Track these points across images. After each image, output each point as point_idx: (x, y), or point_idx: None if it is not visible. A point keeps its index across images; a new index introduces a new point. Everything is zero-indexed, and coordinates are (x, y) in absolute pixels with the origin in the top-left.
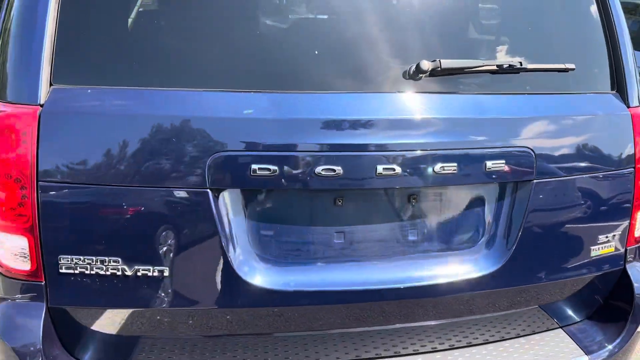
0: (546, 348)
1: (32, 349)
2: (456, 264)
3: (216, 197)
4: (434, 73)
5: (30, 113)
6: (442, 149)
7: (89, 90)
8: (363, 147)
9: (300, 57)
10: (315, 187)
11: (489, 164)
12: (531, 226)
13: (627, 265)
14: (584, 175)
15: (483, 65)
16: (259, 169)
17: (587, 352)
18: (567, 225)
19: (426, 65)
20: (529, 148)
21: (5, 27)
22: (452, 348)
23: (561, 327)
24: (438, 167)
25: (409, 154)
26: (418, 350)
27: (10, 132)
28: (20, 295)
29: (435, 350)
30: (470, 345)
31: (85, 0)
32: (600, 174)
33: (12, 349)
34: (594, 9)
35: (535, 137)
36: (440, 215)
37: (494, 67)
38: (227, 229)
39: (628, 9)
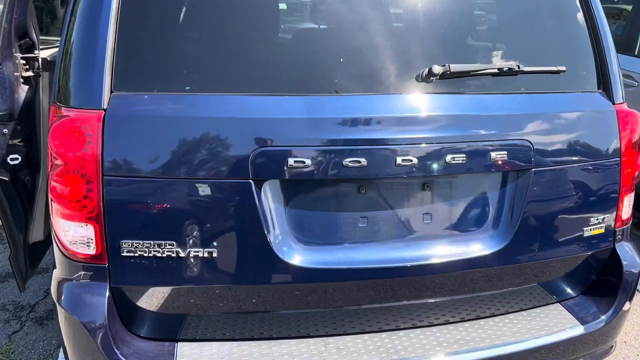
0: (546, 319)
1: (98, 323)
2: (466, 243)
3: (258, 187)
4: (443, 76)
5: (95, 117)
6: (452, 142)
7: (145, 96)
8: (384, 142)
9: (329, 64)
10: (343, 177)
11: (493, 154)
12: (531, 210)
13: (616, 245)
14: (576, 165)
15: (486, 69)
16: (295, 161)
17: (583, 323)
18: (562, 209)
19: (437, 69)
20: (527, 141)
21: (68, 39)
22: (462, 320)
23: (559, 302)
24: (449, 157)
25: (424, 147)
26: (433, 322)
27: (78, 133)
28: (85, 276)
29: (447, 323)
30: (478, 318)
31: (140, 19)
32: (591, 164)
33: (81, 323)
34: (580, 16)
35: (532, 131)
36: (452, 201)
37: (495, 70)
38: (267, 215)
39: (612, 14)
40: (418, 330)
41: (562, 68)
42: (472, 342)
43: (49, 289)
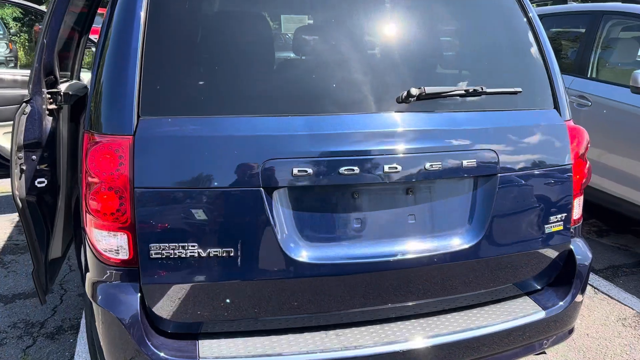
0: (513, 306)
1: (133, 319)
2: (445, 239)
3: (268, 194)
4: (420, 97)
5: (127, 141)
6: (429, 152)
7: (169, 120)
8: (372, 152)
9: (324, 90)
10: (340, 182)
11: (464, 162)
12: (499, 209)
13: (571, 240)
14: (535, 171)
15: (455, 90)
16: (298, 170)
17: (545, 309)
18: (525, 209)
19: (415, 91)
20: (493, 150)
21: (99, 75)
22: (444, 311)
23: (526, 295)
24: (427, 164)
25: (406, 156)
26: (419, 312)
27: (111, 156)
28: (119, 278)
29: (430, 313)
30: (457, 308)
31: (162, 59)
32: (547, 170)
33: (117, 318)
34: (534, 50)
35: (497, 142)
36: (432, 203)
37: (462, 91)
38: (276, 218)
39: (570, 39)
40: (405, 320)
41: (519, 89)
42: (451, 327)
43: (57, 306)
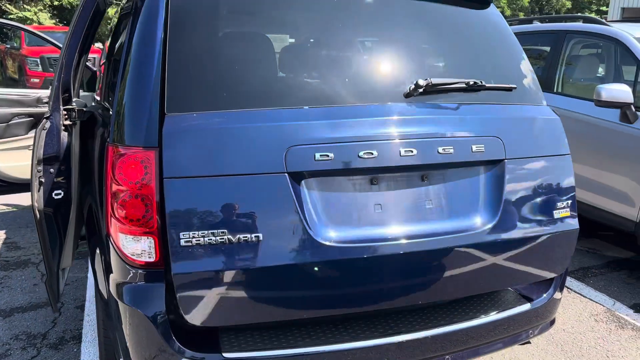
0: (503, 299)
1: (160, 317)
2: (461, 222)
3: (292, 179)
4: (427, 88)
5: (152, 152)
6: (440, 137)
7: (194, 115)
8: (389, 137)
9: (340, 84)
10: (360, 166)
11: (473, 147)
12: (510, 193)
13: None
14: (539, 158)
15: (458, 82)
16: (320, 155)
17: (530, 302)
18: (533, 194)
19: (422, 82)
20: (498, 137)
21: (122, 90)
22: (437, 305)
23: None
24: (440, 149)
25: (420, 141)
26: (430, 299)
27: (137, 166)
28: (146, 279)
29: (426, 305)
30: (455, 300)
31: (181, 75)
32: (550, 158)
33: (146, 316)
34: (521, 56)
35: (501, 130)
36: (446, 188)
37: (465, 84)
38: (301, 202)
39: (534, 57)
40: (408, 313)
41: (514, 86)
42: (448, 318)
43: (56, 318)
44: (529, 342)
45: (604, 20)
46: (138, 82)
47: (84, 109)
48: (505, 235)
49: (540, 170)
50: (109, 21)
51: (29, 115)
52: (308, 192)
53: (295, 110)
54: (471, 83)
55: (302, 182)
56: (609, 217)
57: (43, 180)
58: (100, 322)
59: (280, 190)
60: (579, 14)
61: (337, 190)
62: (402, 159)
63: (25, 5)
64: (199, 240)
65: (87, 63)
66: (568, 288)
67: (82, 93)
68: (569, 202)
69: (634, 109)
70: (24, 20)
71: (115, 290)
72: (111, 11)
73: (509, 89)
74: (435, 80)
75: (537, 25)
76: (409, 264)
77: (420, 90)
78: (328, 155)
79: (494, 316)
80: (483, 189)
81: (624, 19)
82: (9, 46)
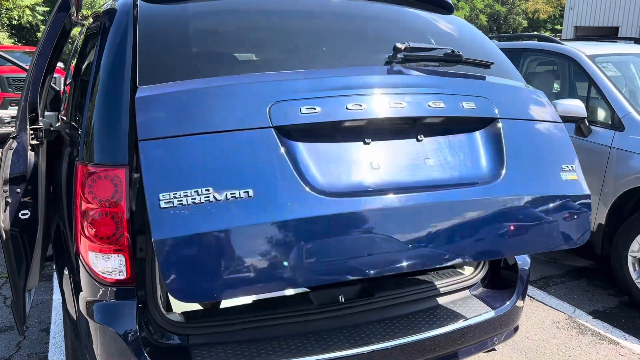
0: (468, 308)
1: (132, 334)
2: (463, 178)
3: (279, 133)
4: (406, 53)
5: (121, 170)
6: (429, 92)
7: (168, 83)
8: (376, 90)
9: (318, 52)
10: (349, 118)
11: (464, 104)
12: (511, 153)
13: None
14: (534, 121)
15: (437, 48)
16: (307, 109)
17: (494, 309)
18: (536, 155)
19: (400, 45)
20: (486, 98)
21: (91, 109)
22: (409, 301)
23: (470, 292)
24: (431, 102)
25: (408, 93)
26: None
27: (107, 185)
28: (116, 297)
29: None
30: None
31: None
32: (545, 122)
33: (117, 334)
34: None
35: (489, 93)
36: (444, 147)
37: (444, 53)
38: (292, 156)
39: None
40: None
41: (492, 62)
42: (415, 327)
43: (20, 342)
44: (494, 349)
45: (557, 39)
46: (107, 100)
47: (51, 129)
48: (511, 192)
49: (538, 133)
50: (70, 40)
51: None
52: (298, 147)
53: (277, 72)
54: (449, 52)
55: (291, 136)
56: None
57: (9, 200)
58: (69, 343)
59: (268, 145)
60: (535, 33)
61: (328, 144)
62: (392, 110)
63: None
64: (181, 200)
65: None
66: (530, 297)
67: (46, 113)
68: (573, 166)
69: (587, 123)
70: None
71: (85, 309)
72: (74, 31)
73: (487, 65)
74: (414, 45)
75: (495, 44)
76: (412, 217)
77: (400, 55)
78: (315, 109)
79: (460, 324)
80: (483, 147)
81: (577, 37)
82: None
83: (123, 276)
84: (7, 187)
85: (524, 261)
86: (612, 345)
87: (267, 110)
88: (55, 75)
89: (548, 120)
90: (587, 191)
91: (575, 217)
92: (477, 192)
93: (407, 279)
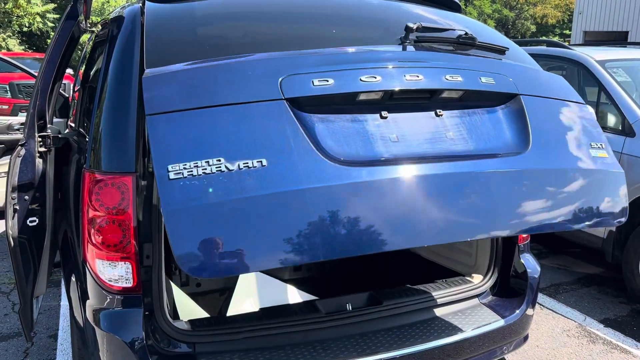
0: (477, 317)
1: (138, 342)
2: (487, 151)
3: (292, 105)
4: (418, 34)
5: (129, 178)
6: (446, 67)
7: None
8: (391, 63)
9: (330, 34)
10: (361, 89)
11: (482, 78)
12: (537, 129)
13: (521, 256)
14: (558, 100)
15: (450, 29)
16: (319, 81)
17: (503, 317)
18: (563, 131)
19: (412, 25)
20: (506, 76)
21: (99, 115)
22: (417, 310)
23: (479, 301)
24: (448, 76)
25: (425, 68)
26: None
27: (114, 192)
28: (123, 305)
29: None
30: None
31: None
32: (566, 102)
33: (124, 342)
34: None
35: (508, 69)
36: (465, 122)
37: (457, 35)
38: (306, 127)
39: None
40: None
41: (506, 47)
42: (424, 336)
43: (28, 349)
44: (503, 359)
45: (566, 44)
46: (115, 108)
47: (59, 136)
48: (541, 164)
49: (562, 112)
50: (79, 47)
51: (0, 142)
52: (312, 119)
53: (287, 52)
54: (463, 34)
55: (304, 108)
56: (577, 234)
57: (18, 207)
58: (76, 350)
59: (280, 117)
60: (543, 38)
61: (344, 116)
62: (408, 82)
63: None
64: (191, 171)
65: (59, 89)
66: (540, 304)
67: (54, 119)
68: (602, 144)
69: None
70: None
71: (92, 317)
72: (83, 37)
73: (502, 51)
74: (426, 24)
75: None
76: (435, 187)
77: (412, 36)
78: (327, 81)
79: (469, 333)
80: (506, 123)
81: (586, 42)
82: None
83: (130, 284)
84: (15, 194)
85: (533, 269)
86: (623, 354)
87: (279, 83)
88: (65, 81)
89: (572, 100)
90: (620, 169)
91: (611, 193)
92: (504, 162)
93: (415, 287)
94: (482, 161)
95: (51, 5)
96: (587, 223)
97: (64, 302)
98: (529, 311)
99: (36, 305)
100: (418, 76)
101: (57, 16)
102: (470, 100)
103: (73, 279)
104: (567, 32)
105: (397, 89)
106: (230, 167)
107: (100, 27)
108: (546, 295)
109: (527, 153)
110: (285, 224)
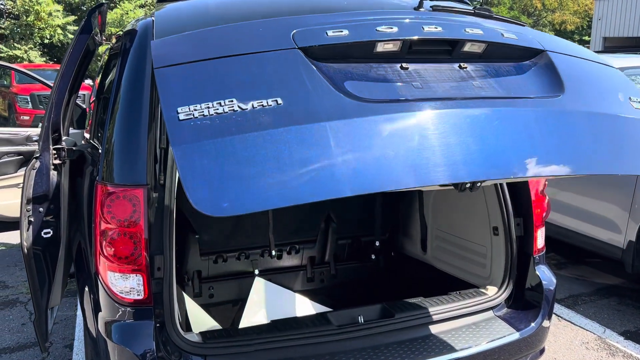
0: (491, 330)
1: (149, 355)
2: (521, 93)
3: (305, 53)
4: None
5: (140, 191)
6: (467, 22)
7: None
8: (410, 16)
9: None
10: (378, 38)
11: (504, 34)
12: (569, 79)
13: (536, 267)
14: (584, 60)
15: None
16: (333, 32)
17: (518, 330)
18: (598, 84)
19: None
20: (527, 34)
21: (111, 129)
22: (430, 322)
23: (494, 314)
24: (467, 28)
25: (444, 22)
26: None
27: (126, 205)
28: (134, 317)
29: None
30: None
31: None
32: (594, 64)
33: (135, 355)
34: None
35: (531, 32)
36: (492, 74)
37: (472, 10)
38: (321, 71)
39: None
40: None
41: (525, 23)
42: (438, 349)
43: (44, 358)
44: None
45: None
46: (127, 120)
47: (74, 148)
48: (576, 107)
49: (594, 69)
50: (99, 57)
51: (18, 153)
52: (328, 67)
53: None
54: (479, 5)
55: (319, 58)
56: (596, 244)
57: (32, 219)
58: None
59: (295, 62)
60: None
61: (363, 65)
62: (427, 32)
63: (15, 44)
64: (202, 111)
65: (77, 100)
66: (558, 316)
67: (72, 130)
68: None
69: None
70: (14, 58)
71: (104, 329)
72: (102, 48)
73: (522, 24)
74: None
75: None
76: (462, 124)
77: (427, 5)
78: (342, 31)
79: (483, 346)
80: (535, 75)
81: (606, 49)
82: None
83: (141, 296)
84: (30, 206)
85: (549, 281)
86: None
87: (291, 35)
88: (83, 92)
89: (601, 62)
90: None
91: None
92: (540, 103)
93: (428, 299)
94: (516, 100)
95: (72, 18)
96: (623, 168)
97: (80, 312)
98: (545, 324)
99: (51, 316)
100: (437, 27)
101: (77, 28)
102: (494, 57)
103: (86, 290)
104: (586, 38)
105: (415, 37)
106: (244, 107)
107: (115, 40)
108: (564, 307)
109: (563, 96)
110: (306, 159)
